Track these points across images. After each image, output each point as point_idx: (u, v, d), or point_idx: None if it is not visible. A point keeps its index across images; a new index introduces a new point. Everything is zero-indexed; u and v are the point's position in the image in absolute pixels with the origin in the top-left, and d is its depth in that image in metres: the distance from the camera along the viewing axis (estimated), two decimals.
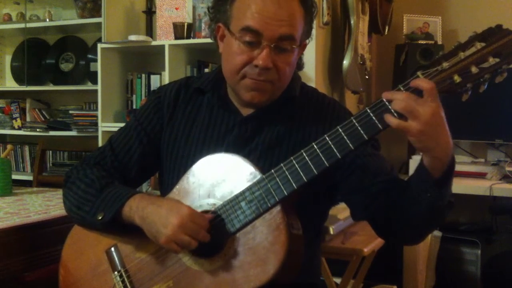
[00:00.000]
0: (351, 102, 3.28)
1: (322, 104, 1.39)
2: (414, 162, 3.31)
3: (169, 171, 1.40)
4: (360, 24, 3.00)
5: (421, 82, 1.06)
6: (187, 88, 1.44)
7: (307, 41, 1.36)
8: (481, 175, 3.19)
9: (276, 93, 1.33)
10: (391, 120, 1.07)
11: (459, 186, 3.02)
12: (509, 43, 1.04)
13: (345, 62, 2.92)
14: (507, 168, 3.10)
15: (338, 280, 2.33)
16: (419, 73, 1.08)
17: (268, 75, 1.27)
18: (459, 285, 3.12)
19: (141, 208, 1.25)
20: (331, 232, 2.08)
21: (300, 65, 1.42)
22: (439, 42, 3.41)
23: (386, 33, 3.41)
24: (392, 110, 1.07)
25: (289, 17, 1.24)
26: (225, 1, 1.31)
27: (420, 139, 1.07)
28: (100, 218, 1.28)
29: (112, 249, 1.34)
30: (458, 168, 3.55)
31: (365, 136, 1.11)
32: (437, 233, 3.05)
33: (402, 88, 1.09)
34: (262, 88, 1.29)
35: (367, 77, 3.16)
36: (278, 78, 1.28)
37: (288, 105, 1.36)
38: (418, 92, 1.06)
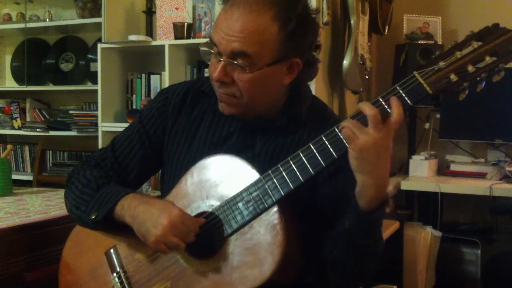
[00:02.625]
0: (351, 102, 3.27)
1: (327, 122, 1.33)
2: (414, 162, 3.32)
3: (170, 174, 1.40)
4: (360, 24, 3.00)
5: (395, 106, 1.08)
6: (195, 91, 1.42)
7: (299, 58, 1.26)
8: (481, 175, 3.20)
9: (250, 108, 1.27)
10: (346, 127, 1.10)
11: (459, 186, 3.04)
12: (506, 42, 1.04)
13: (345, 62, 2.92)
14: (507, 168, 3.10)
15: None
16: (415, 72, 1.08)
17: (227, 89, 1.24)
18: (459, 285, 3.12)
19: (132, 207, 1.25)
20: None
21: (302, 79, 1.34)
22: (439, 42, 3.41)
23: (386, 33, 3.41)
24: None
25: (244, 33, 1.17)
26: None
27: (361, 155, 1.08)
28: (93, 217, 1.29)
29: (111, 250, 1.34)
30: (458, 168, 3.54)
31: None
32: (437, 233, 3.05)
33: (381, 100, 1.10)
34: (226, 101, 1.27)
35: (367, 77, 3.16)
36: (241, 95, 1.24)
37: (291, 121, 1.33)
38: (386, 114, 1.09)
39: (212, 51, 1.24)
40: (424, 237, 2.99)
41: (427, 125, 3.44)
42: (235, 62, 1.19)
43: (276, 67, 1.23)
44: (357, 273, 1.27)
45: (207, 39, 1.29)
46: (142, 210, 1.23)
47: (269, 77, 1.23)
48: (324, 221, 1.26)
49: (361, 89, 3.09)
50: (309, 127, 1.32)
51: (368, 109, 1.09)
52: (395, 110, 1.08)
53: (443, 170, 3.41)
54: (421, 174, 3.28)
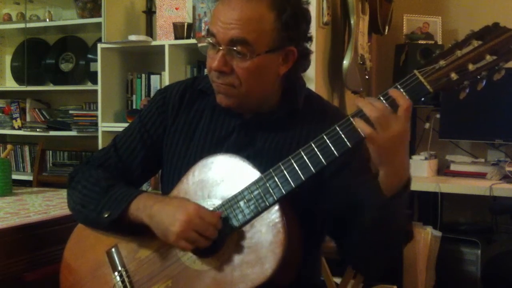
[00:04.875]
0: (351, 102, 3.28)
1: (326, 113, 1.35)
2: (414, 162, 3.32)
3: (169, 173, 1.40)
4: (360, 24, 3.00)
5: (400, 98, 1.07)
6: (193, 90, 1.42)
7: (295, 48, 1.28)
8: (481, 175, 3.20)
9: (247, 99, 1.29)
10: (363, 126, 1.08)
11: (459, 186, 3.03)
12: (506, 41, 1.04)
13: (345, 62, 2.92)
14: (507, 168, 3.10)
15: (338, 280, 2.33)
16: (416, 71, 1.08)
17: (226, 79, 1.25)
18: (459, 285, 3.11)
19: (148, 206, 1.25)
20: None
21: (296, 70, 1.35)
22: (439, 42, 3.41)
23: (386, 33, 3.41)
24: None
25: (242, 20, 1.21)
26: None
27: (380, 151, 1.09)
28: (106, 216, 1.28)
29: (113, 249, 1.34)
30: (458, 168, 3.53)
31: (362, 134, 1.11)
32: (437, 233, 3.05)
33: (382, 98, 1.10)
34: (224, 92, 1.28)
35: (367, 77, 3.16)
36: (239, 84, 1.25)
37: (290, 114, 1.34)
38: (394, 106, 1.08)
39: (211, 42, 1.26)
40: (424, 237, 2.99)
41: (427, 125, 3.45)
42: (235, 48, 1.22)
43: (273, 55, 1.26)
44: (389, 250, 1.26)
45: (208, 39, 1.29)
46: (158, 209, 1.23)
47: (266, 66, 1.26)
48: (336, 215, 1.27)
49: (361, 89, 3.10)
50: (308, 120, 1.34)
51: (368, 110, 1.08)
52: (400, 100, 1.08)
53: (443, 170, 3.41)
54: (421, 174, 3.28)
